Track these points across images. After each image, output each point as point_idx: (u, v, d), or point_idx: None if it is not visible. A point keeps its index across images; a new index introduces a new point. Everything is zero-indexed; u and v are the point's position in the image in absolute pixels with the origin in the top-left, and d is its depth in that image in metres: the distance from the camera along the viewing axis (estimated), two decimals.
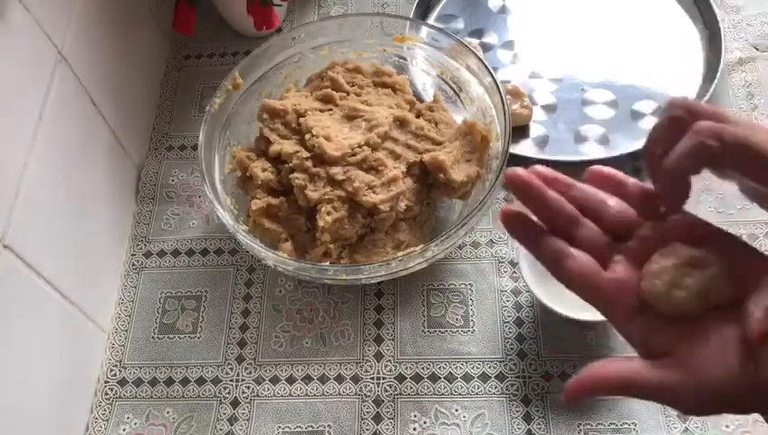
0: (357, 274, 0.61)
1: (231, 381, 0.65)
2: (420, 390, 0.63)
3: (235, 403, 0.64)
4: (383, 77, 0.72)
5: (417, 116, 0.70)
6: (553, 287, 0.52)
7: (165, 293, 0.71)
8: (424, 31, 0.73)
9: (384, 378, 0.64)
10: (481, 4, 0.88)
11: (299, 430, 0.62)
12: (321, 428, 0.62)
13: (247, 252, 0.71)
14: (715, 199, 0.70)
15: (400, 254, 0.61)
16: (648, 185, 0.36)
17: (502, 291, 0.68)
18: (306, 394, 0.64)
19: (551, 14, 0.86)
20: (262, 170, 0.66)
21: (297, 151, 0.65)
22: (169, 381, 0.66)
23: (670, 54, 0.81)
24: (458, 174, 0.64)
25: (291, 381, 0.65)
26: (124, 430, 0.64)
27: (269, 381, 0.65)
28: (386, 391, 0.63)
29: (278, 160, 0.67)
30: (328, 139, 0.64)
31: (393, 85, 0.72)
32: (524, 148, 0.76)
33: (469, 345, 0.65)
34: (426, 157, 0.65)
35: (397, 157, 0.66)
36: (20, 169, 0.55)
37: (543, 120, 0.78)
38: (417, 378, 0.64)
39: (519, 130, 0.76)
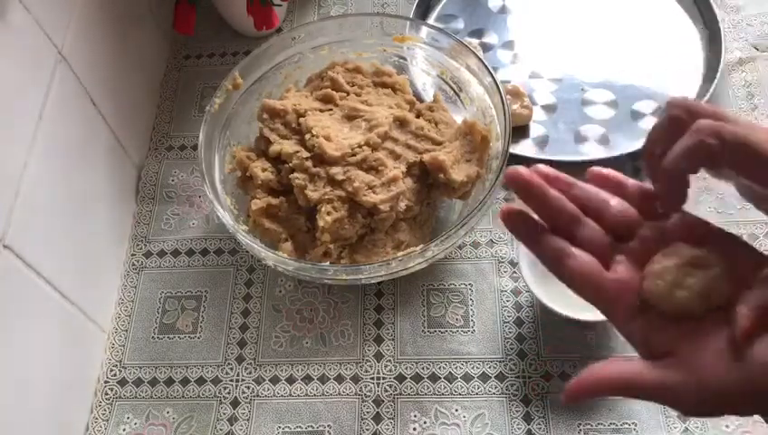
0: (357, 274, 0.61)
1: (231, 381, 0.65)
2: (420, 390, 0.63)
3: (235, 403, 0.64)
4: (383, 77, 0.72)
5: (417, 116, 0.70)
6: (553, 287, 0.52)
7: (165, 293, 0.71)
8: (424, 31, 0.73)
9: (384, 378, 0.64)
10: (481, 4, 0.88)
11: (299, 430, 0.62)
12: (321, 428, 0.62)
13: (247, 252, 0.71)
14: (715, 199, 0.70)
15: (400, 254, 0.61)
16: (648, 185, 0.36)
17: (502, 291, 0.68)
18: (306, 394, 0.64)
19: (551, 14, 0.86)
20: (262, 170, 0.66)
21: (297, 151, 0.65)
22: (169, 381, 0.66)
23: (670, 54, 0.81)
24: (458, 174, 0.64)
25: (291, 381, 0.65)
26: (124, 430, 0.64)
27: (269, 381, 0.65)
28: (386, 391, 0.63)
29: (278, 160, 0.67)
30: (328, 139, 0.64)
31: (393, 85, 0.72)
32: (524, 148, 0.76)
33: (469, 345, 0.65)
34: (426, 157, 0.65)
35: (397, 157, 0.66)
36: (20, 169, 0.55)
37: (543, 120, 0.78)
38: (417, 378, 0.64)
39: (519, 130, 0.76)
